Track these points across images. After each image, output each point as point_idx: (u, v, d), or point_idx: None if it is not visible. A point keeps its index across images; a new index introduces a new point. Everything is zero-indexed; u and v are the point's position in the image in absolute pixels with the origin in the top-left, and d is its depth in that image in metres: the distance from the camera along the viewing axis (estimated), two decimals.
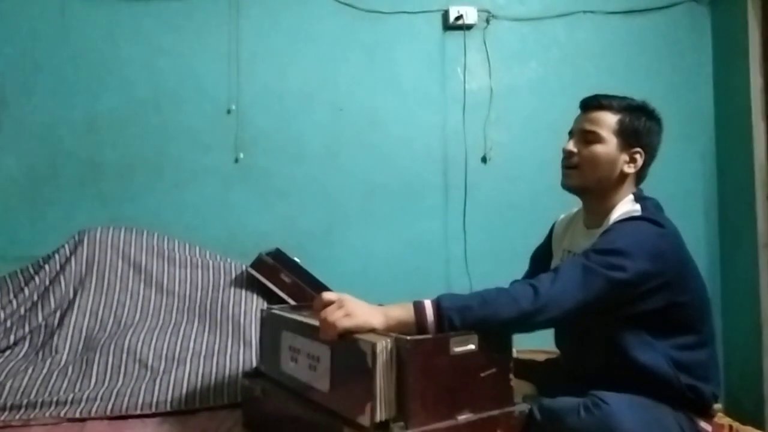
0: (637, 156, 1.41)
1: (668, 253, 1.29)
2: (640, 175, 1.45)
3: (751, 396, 2.46)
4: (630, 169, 1.41)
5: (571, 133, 1.47)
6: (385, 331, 1.18)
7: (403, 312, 1.20)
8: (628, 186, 1.43)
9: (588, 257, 1.26)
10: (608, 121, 1.40)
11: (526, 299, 1.19)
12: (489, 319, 1.19)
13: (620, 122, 1.40)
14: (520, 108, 2.64)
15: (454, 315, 1.18)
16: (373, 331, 1.18)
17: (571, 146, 1.43)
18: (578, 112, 1.48)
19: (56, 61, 2.48)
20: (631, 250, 1.24)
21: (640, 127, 1.41)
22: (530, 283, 1.23)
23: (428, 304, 1.20)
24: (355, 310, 1.19)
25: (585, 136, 1.42)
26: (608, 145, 1.39)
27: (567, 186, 1.46)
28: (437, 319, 1.18)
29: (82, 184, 2.47)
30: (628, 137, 1.40)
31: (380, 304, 1.54)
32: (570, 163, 1.43)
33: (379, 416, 1.10)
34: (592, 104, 1.44)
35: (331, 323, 1.17)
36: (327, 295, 1.23)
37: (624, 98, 1.43)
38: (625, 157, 1.40)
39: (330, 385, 1.22)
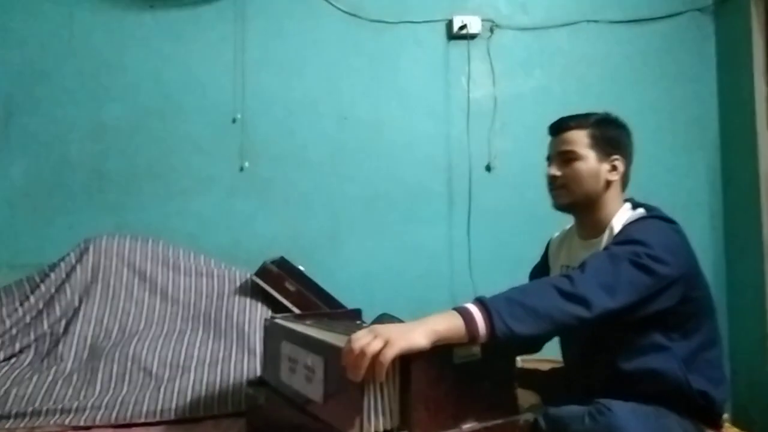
0: (617, 162, 1.45)
1: (683, 247, 1.32)
2: (623, 181, 1.49)
3: (757, 405, 2.44)
4: (614, 177, 1.45)
5: (549, 159, 1.51)
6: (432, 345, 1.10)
7: (448, 321, 1.11)
8: (616, 193, 1.46)
9: (609, 249, 1.29)
10: (580, 138, 1.45)
11: (562, 283, 1.20)
12: (535, 306, 1.15)
13: (592, 136, 1.44)
14: (524, 117, 2.64)
15: (505, 316, 1.12)
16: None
17: (554, 170, 1.47)
18: None
19: (63, 70, 2.50)
20: (650, 242, 1.26)
21: (612, 135, 1.46)
22: (560, 275, 1.25)
23: (474, 309, 1.12)
24: (393, 336, 1.05)
25: (563, 156, 1.46)
26: (587, 160, 1.44)
27: (558, 206, 1.49)
28: (489, 324, 1.11)
29: (88, 192, 2.49)
30: (604, 147, 1.45)
31: (389, 317, 1.53)
32: (556, 185, 1.47)
33: (370, 429, 1.08)
34: (561, 127, 1.49)
35: (376, 360, 1.03)
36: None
37: (588, 114, 1.48)
38: (606, 166, 1.44)
39: (323, 397, 1.20)
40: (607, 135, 1.45)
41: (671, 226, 1.34)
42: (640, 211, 1.40)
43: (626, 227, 1.36)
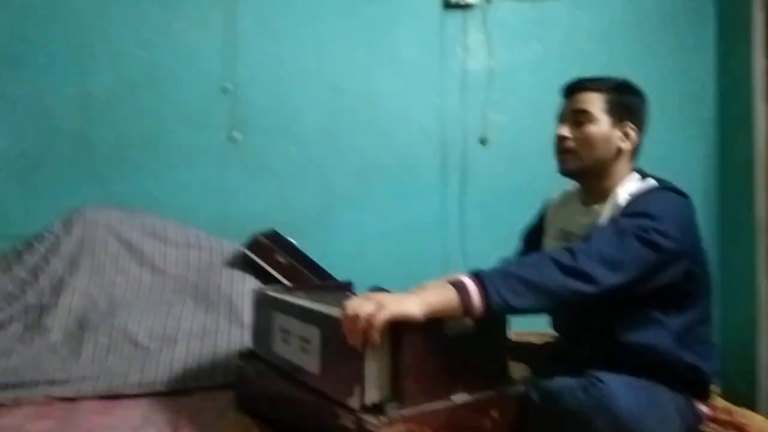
0: (630, 131, 1.41)
1: (692, 222, 1.30)
2: (634, 151, 1.44)
3: (745, 378, 2.47)
4: (625, 145, 1.40)
5: (560, 118, 1.46)
6: (426, 318, 1.08)
7: (442, 295, 1.10)
8: (625, 162, 1.42)
9: (617, 221, 1.26)
10: (596, 100, 1.40)
11: (563, 256, 1.17)
12: (533, 280, 1.13)
13: (608, 101, 1.40)
14: (520, 89, 2.60)
15: (500, 288, 1.10)
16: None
17: (565, 131, 1.42)
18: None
19: (47, 36, 2.42)
20: (661, 215, 1.23)
21: (628, 102, 1.42)
22: (561, 248, 1.22)
23: (469, 282, 1.11)
24: (386, 300, 1.06)
25: (576, 117, 1.41)
26: (601, 124, 1.39)
27: (565, 171, 1.44)
28: (484, 298, 1.10)
29: (75, 162, 2.43)
30: (619, 114, 1.40)
31: (381, 290, 1.51)
32: (565, 147, 1.42)
33: (369, 398, 1.08)
34: (577, 87, 1.43)
35: (368, 321, 1.03)
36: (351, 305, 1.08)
37: (607, 78, 1.43)
38: (618, 133, 1.40)
39: (320, 368, 1.20)
40: (624, 101, 1.40)
41: (683, 200, 1.31)
42: (652, 182, 1.35)
43: (637, 198, 1.31)
